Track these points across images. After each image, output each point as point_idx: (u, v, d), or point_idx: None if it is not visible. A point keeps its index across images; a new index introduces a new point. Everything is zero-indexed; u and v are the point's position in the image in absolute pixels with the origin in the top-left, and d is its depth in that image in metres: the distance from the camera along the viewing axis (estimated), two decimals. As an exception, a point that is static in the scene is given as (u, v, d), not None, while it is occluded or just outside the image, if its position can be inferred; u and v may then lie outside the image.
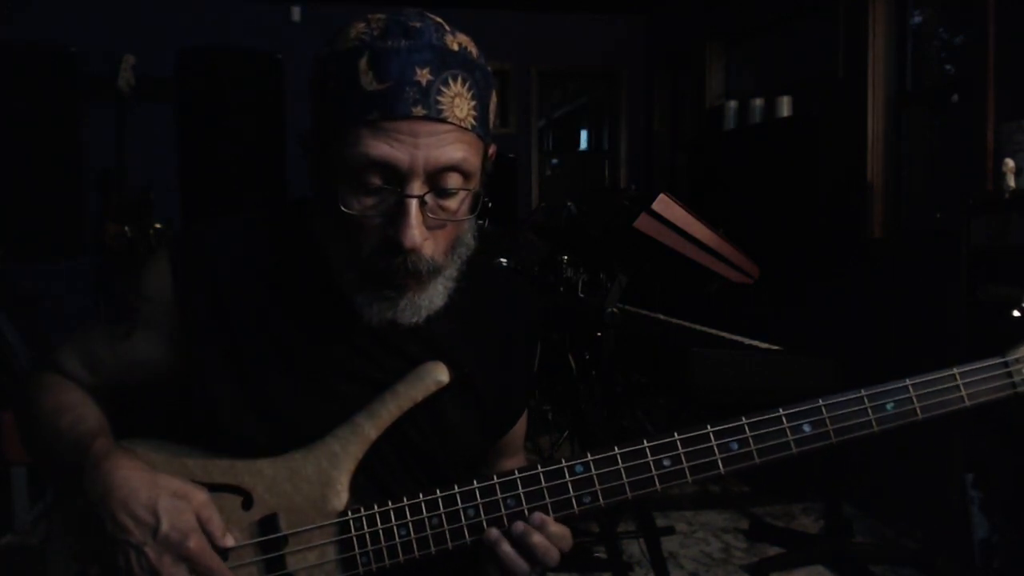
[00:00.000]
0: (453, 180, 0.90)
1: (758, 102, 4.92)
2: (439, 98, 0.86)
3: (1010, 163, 2.93)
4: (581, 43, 6.35)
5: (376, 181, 0.88)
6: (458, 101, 0.87)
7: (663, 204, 2.49)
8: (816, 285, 4.12)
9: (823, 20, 4.40)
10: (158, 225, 4.65)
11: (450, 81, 0.87)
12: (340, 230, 0.92)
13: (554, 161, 7.01)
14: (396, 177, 0.88)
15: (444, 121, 0.87)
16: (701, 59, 5.69)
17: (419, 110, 0.85)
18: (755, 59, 5.58)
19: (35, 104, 5.43)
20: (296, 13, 5.81)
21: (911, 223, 3.94)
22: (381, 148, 0.86)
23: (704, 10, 5.63)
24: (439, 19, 0.91)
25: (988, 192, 3.08)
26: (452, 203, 0.92)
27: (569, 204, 3.54)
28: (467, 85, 0.88)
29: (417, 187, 0.88)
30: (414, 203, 0.87)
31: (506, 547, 0.93)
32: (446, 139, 0.87)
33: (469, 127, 0.89)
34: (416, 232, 0.88)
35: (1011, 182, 2.92)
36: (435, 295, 0.95)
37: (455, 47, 0.89)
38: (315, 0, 5.76)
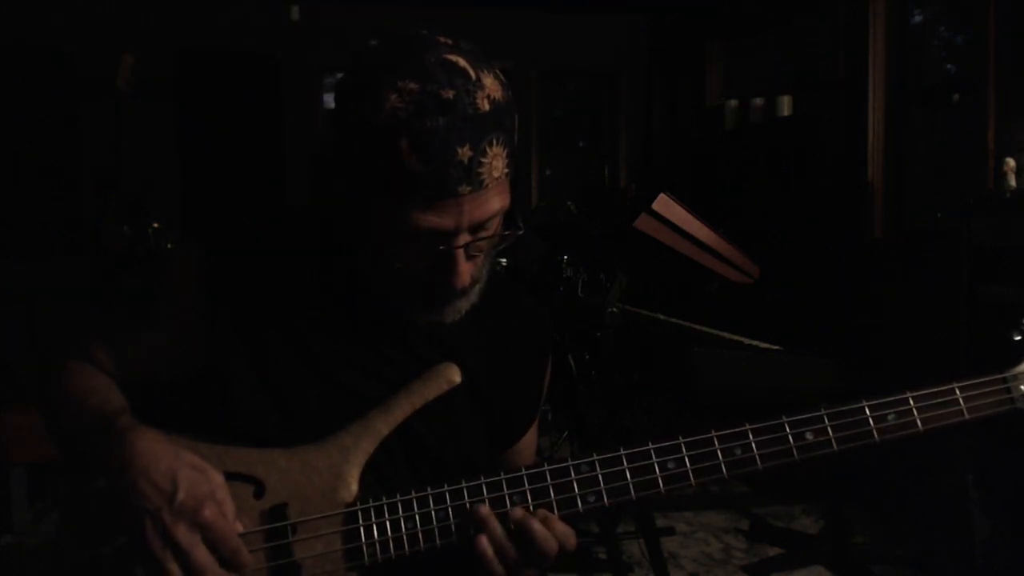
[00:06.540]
0: (492, 223, 0.95)
1: (758, 102, 4.91)
2: (480, 170, 0.90)
3: (1011, 162, 2.94)
4: (581, 43, 6.35)
5: (421, 240, 0.93)
6: (495, 162, 0.91)
7: (663, 204, 2.49)
8: (816, 285, 4.12)
9: (823, 20, 4.40)
10: (156, 224, 4.64)
11: (487, 148, 0.90)
12: (383, 273, 0.97)
13: (554, 161, 7.00)
14: (442, 236, 0.93)
15: (486, 187, 0.91)
16: (701, 59, 5.69)
17: (464, 188, 0.89)
18: (755, 59, 5.58)
19: (32, 104, 5.43)
20: (296, 12, 5.81)
21: (911, 223, 3.94)
22: (429, 220, 0.91)
23: (704, 10, 5.63)
24: (462, 61, 0.90)
25: (989, 192, 3.08)
26: (488, 232, 0.97)
27: (569, 204, 3.53)
28: (501, 141, 0.91)
29: (462, 239, 0.93)
30: (460, 251, 0.93)
31: (496, 527, 0.94)
32: (488, 197, 0.92)
33: (504, 176, 0.93)
34: (465, 276, 0.95)
35: (1012, 181, 2.93)
36: (473, 296, 1.01)
37: (486, 106, 0.90)
38: None
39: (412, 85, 0.88)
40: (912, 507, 3.26)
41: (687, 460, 0.97)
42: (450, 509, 0.96)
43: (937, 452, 2.91)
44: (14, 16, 5.34)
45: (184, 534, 0.88)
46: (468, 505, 0.96)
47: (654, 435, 0.99)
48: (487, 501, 0.96)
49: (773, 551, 3.09)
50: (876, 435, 0.99)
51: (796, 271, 4.07)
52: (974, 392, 1.00)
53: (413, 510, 0.96)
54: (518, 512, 0.95)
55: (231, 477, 0.96)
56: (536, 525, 0.93)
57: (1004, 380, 1.01)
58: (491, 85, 0.91)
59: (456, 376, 1.03)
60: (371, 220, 0.95)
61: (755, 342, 2.64)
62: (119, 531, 0.92)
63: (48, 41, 5.44)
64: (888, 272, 3.80)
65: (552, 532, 0.94)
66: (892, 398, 1.00)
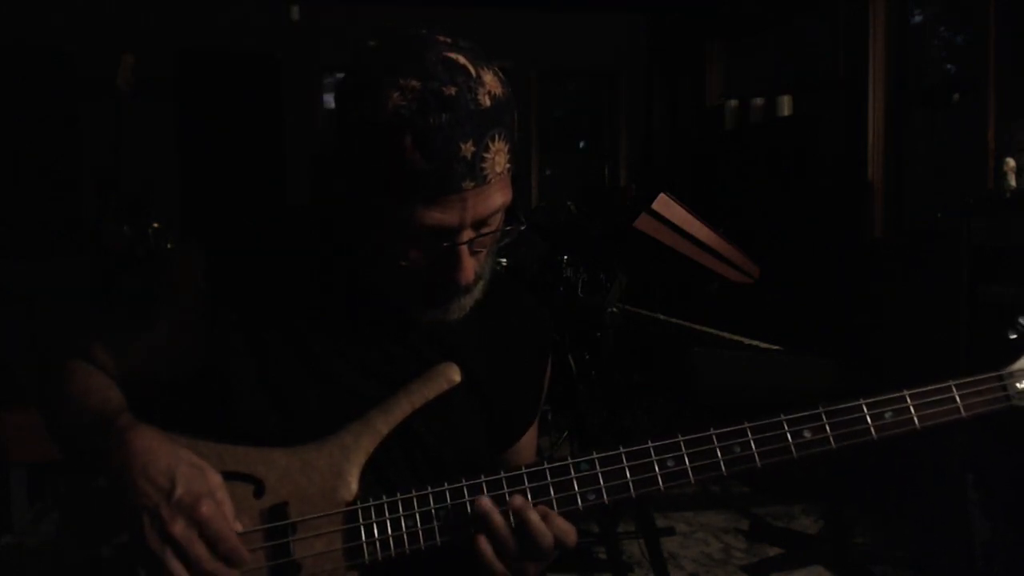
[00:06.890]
0: (494, 218, 0.96)
1: (758, 102, 4.91)
2: (483, 165, 0.91)
3: (1011, 162, 2.94)
4: (581, 43, 6.35)
5: (425, 238, 0.94)
6: (498, 157, 0.92)
7: (663, 204, 2.49)
8: (816, 285, 4.12)
9: (823, 20, 4.40)
10: (156, 224, 4.64)
11: (489, 143, 0.91)
12: (385, 272, 0.98)
13: (554, 161, 7.00)
14: (446, 233, 0.93)
15: (489, 182, 0.92)
16: (701, 59, 5.69)
17: (468, 183, 0.90)
18: (755, 59, 5.58)
19: (32, 104, 5.42)
20: (296, 12, 5.81)
21: (911, 223, 3.94)
22: (434, 216, 0.91)
23: (704, 10, 5.63)
24: (462, 58, 0.91)
25: (989, 192, 3.08)
26: (491, 227, 0.97)
27: (569, 204, 3.53)
28: (503, 137, 0.92)
29: (466, 236, 0.94)
30: (464, 248, 0.94)
31: (498, 519, 0.94)
32: (490, 192, 0.93)
33: (506, 171, 0.94)
34: (470, 272, 0.96)
35: (1012, 181, 2.93)
36: (477, 292, 1.02)
37: (487, 102, 0.90)
38: None
39: (414, 83, 0.89)
40: (912, 508, 3.26)
41: (686, 458, 0.97)
42: (450, 507, 0.96)
43: (936, 453, 2.91)
44: (14, 16, 5.34)
45: (181, 530, 0.89)
46: (468, 503, 0.96)
47: (654, 435, 0.99)
48: None
49: (773, 551, 3.09)
50: (873, 433, 0.99)
51: (796, 271, 4.07)
52: (970, 390, 1.01)
53: (413, 508, 0.97)
54: (517, 500, 0.95)
55: (231, 476, 0.96)
56: (533, 516, 0.94)
57: (1000, 378, 1.02)
58: (491, 81, 0.92)
59: (456, 375, 1.03)
60: (373, 219, 0.95)
61: (755, 342, 2.64)
62: (119, 530, 0.93)
63: (48, 41, 5.44)
64: (888, 272, 3.80)
65: (550, 527, 0.94)
66: (889, 396, 1.00)
